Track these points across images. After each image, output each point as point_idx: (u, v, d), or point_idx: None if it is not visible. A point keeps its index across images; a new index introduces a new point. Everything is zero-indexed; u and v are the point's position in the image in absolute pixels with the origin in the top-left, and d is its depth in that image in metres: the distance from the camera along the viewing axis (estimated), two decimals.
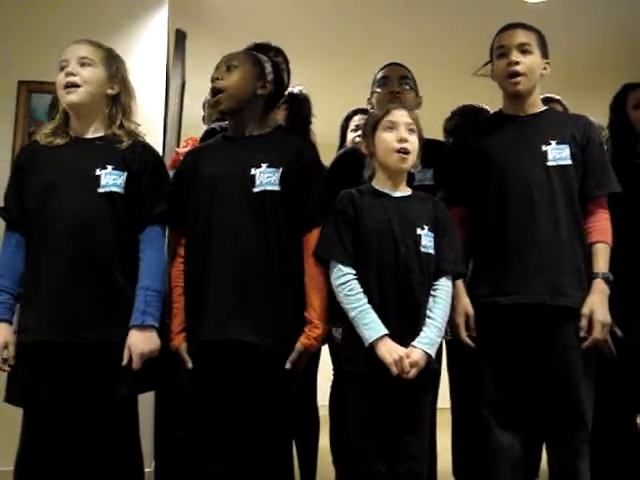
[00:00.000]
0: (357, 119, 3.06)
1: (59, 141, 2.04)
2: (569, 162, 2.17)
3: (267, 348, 1.97)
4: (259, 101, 2.15)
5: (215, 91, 2.11)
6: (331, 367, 2.73)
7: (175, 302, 2.07)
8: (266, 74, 2.15)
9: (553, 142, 2.18)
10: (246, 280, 1.99)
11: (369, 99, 2.59)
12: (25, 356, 1.94)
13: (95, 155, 2.02)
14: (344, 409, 2.08)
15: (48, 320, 1.92)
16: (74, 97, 2.02)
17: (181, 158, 2.36)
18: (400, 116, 2.10)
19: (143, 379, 1.97)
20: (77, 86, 2.01)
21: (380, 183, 2.13)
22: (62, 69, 2.04)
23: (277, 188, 2.04)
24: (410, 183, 2.21)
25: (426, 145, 2.18)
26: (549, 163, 2.16)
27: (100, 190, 1.99)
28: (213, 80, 2.12)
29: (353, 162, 2.29)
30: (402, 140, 2.06)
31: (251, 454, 1.99)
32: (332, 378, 2.82)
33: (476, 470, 2.38)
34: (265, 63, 2.18)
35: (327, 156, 2.54)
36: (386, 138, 2.08)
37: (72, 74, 2.01)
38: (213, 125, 2.67)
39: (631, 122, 2.67)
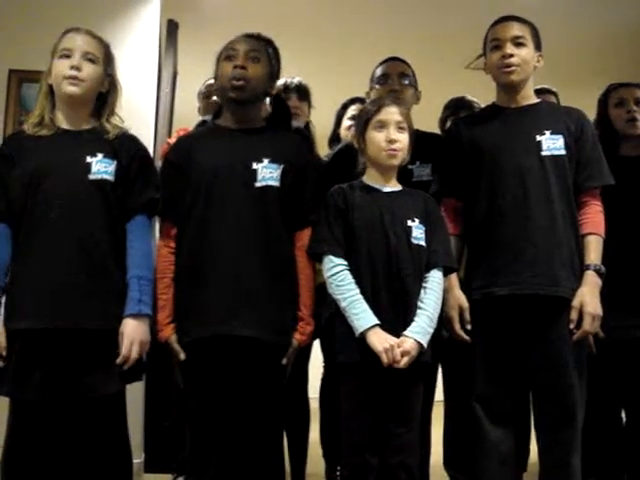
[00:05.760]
0: (354, 108, 3.06)
1: (45, 132, 2.03)
2: (563, 152, 2.16)
3: (267, 342, 1.98)
4: (265, 97, 2.16)
5: (239, 78, 2.07)
6: (321, 360, 2.73)
7: (163, 294, 2.04)
8: (274, 73, 2.16)
9: (547, 132, 2.17)
10: (248, 275, 1.99)
11: (368, 93, 2.57)
12: (13, 344, 1.92)
13: (84, 144, 2.02)
14: (335, 402, 2.08)
15: (39, 307, 1.90)
16: (77, 89, 2.00)
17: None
18: (390, 114, 2.10)
19: (131, 370, 1.95)
20: (81, 80, 2.00)
21: (371, 178, 2.14)
22: (63, 57, 2.01)
23: (277, 184, 2.05)
24: (408, 179, 2.21)
25: (424, 140, 2.18)
26: (543, 153, 2.15)
27: (91, 177, 1.98)
28: (236, 67, 2.07)
29: (350, 159, 2.28)
30: (391, 141, 2.07)
31: (245, 446, 2.00)
32: (323, 371, 2.82)
33: (467, 462, 2.38)
34: (273, 60, 2.19)
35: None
36: (376, 138, 2.09)
37: (78, 68, 2.00)
38: (206, 117, 2.65)
39: (612, 121, 2.69)
